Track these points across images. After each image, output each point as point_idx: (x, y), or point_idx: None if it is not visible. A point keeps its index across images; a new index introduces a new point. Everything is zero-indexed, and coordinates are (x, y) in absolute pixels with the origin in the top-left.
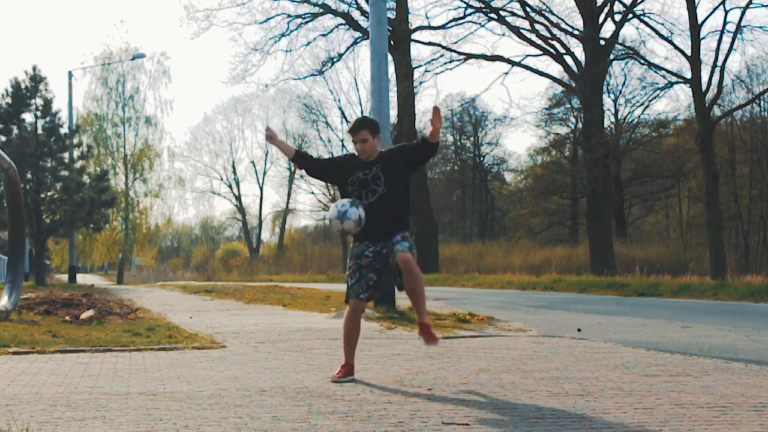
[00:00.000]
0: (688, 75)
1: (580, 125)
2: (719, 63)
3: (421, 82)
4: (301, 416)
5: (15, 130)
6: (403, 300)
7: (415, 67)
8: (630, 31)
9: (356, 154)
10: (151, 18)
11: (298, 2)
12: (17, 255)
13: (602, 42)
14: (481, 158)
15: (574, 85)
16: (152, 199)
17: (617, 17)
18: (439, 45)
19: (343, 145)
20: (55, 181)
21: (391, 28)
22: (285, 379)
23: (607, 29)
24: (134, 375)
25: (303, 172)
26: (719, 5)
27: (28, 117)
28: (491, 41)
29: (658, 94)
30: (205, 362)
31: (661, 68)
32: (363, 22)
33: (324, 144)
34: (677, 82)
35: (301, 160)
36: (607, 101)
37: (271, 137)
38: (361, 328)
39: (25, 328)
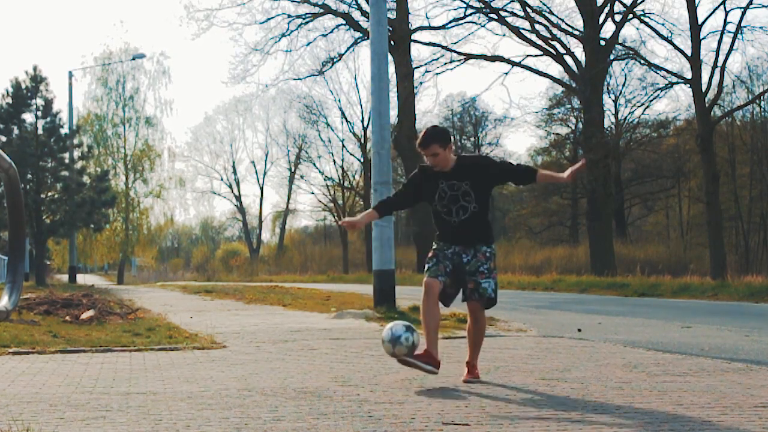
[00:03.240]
0: (689, 75)
1: (580, 125)
2: (719, 63)
3: (421, 82)
4: (301, 416)
5: (15, 131)
6: (403, 300)
7: (416, 68)
8: (630, 32)
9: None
10: (151, 18)
11: (299, 2)
12: (17, 255)
13: (602, 42)
14: None
15: (574, 85)
16: (153, 199)
17: (617, 17)
18: (440, 45)
19: (343, 146)
20: (56, 181)
21: (391, 28)
22: (286, 379)
23: (608, 29)
24: (135, 375)
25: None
26: (719, 5)
27: (28, 117)
28: (491, 41)
29: (658, 95)
30: (206, 362)
31: (662, 68)
32: (363, 22)
33: (324, 144)
34: (677, 83)
35: (387, 210)
36: (608, 101)
37: (352, 225)
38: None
39: (25, 328)
